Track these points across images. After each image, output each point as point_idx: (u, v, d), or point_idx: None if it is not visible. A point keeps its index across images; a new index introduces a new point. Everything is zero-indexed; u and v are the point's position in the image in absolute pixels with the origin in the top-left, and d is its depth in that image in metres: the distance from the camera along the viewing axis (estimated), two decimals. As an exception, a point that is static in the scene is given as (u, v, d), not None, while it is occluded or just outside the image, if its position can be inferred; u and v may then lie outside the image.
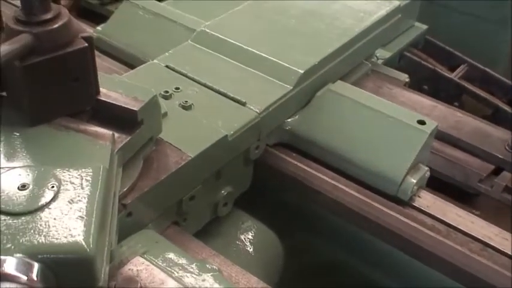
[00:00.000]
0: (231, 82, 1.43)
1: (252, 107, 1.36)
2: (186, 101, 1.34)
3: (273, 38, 1.58)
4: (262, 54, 1.49)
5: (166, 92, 1.36)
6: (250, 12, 1.70)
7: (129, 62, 1.72)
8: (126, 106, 1.08)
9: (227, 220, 1.42)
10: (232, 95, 1.38)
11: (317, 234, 1.55)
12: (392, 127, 1.41)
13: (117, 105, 1.08)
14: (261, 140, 1.40)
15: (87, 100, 1.07)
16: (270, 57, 1.48)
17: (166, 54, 1.52)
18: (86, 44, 1.01)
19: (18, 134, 1.00)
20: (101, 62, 1.75)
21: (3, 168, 0.90)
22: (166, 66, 1.47)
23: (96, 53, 1.79)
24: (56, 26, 0.98)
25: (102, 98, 1.09)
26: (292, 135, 1.48)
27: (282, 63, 1.46)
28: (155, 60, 1.50)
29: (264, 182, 1.48)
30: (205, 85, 1.41)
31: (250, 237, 1.43)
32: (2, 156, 0.94)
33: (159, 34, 1.71)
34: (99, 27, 1.82)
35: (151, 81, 1.41)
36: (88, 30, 1.05)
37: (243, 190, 1.46)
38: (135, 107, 1.08)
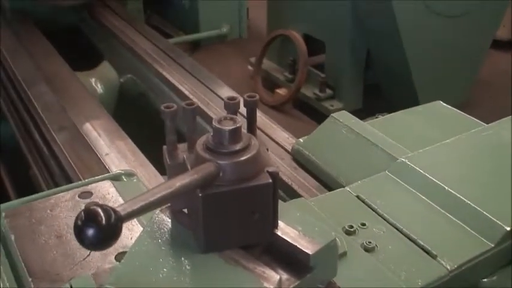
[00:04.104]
0: (424, 227, 1.29)
1: (442, 262, 1.20)
2: (370, 242, 1.23)
3: (482, 182, 1.42)
4: (464, 199, 1.33)
5: (351, 227, 1.28)
6: (461, 148, 1.55)
7: (323, 180, 1.68)
8: (300, 247, 1.01)
9: None
10: (422, 243, 1.24)
11: None
12: None
13: (292, 244, 1.02)
14: (447, 298, 1.23)
15: (263, 235, 1.02)
16: (472, 205, 1.31)
17: (359, 182, 1.44)
18: (270, 180, 0.98)
19: (187, 258, 1.00)
20: (296, 175, 1.75)
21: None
22: (357, 197, 1.39)
23: (293, 165, 1.82)
24: (242, 158, 0.96)
25: (279, 233, 1.04)
26: (487, 299, 1.28)
27: (485, 213, 1.29)
28: (347, 188, 1.44)
29: None
30: (394, 225, 1.30)
31: None
32: (164, 277, 0.95)
33: (358, 156, 1.65)
34: (300, 139, 1.83)
35: (338, 211, 1.35)
36: (274, 164, 1.01)
37: None
38: (309, 250, 1.01)
